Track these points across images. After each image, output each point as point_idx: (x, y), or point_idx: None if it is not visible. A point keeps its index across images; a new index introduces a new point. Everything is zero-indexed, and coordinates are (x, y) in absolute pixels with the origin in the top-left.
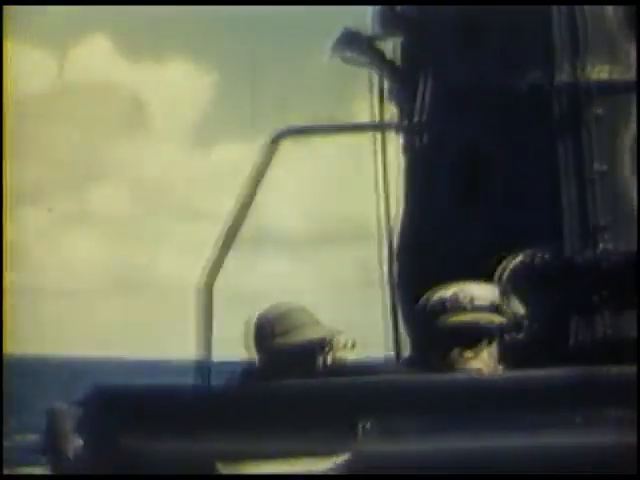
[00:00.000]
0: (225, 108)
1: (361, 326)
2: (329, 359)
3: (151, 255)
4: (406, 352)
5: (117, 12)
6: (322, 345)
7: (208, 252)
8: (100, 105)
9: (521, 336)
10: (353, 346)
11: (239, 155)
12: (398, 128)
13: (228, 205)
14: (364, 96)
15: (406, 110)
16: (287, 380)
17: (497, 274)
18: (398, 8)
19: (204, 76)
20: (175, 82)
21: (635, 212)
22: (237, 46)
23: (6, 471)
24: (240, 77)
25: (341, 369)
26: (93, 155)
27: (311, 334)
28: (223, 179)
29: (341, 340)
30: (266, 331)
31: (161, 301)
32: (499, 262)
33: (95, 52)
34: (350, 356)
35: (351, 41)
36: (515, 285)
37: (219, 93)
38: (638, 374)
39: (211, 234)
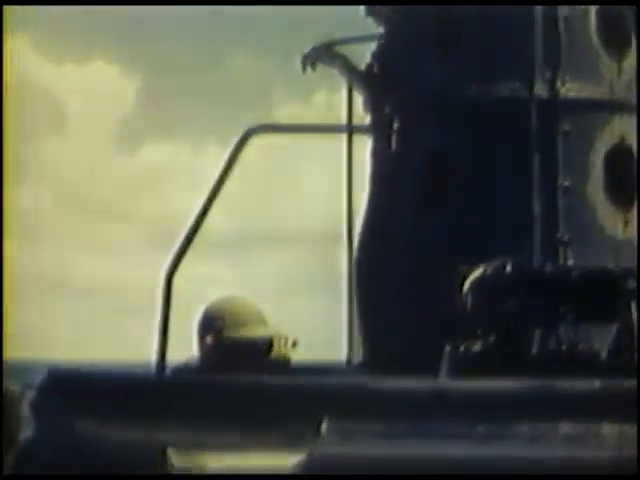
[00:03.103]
0: (147, 112)
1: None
2: (271, 357)
3: (71, 255)
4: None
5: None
6: (268, 345)
7: (127, 253)
8: (21, 105)
9: (481, 347)
10: (294, 345)
11: (160, 158)
12: (369, 131)
13: (149, 207)
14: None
15: (378, 115)
16: (249, 374)
17: (461, 283)
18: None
19: (128, 79)
20: (98, 85)
21: (602, 228)
22: (162, 50)
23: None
24: (164, 81)
25: (295, 369)
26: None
27: (259, 332)
28: (145, 182)
29: (282, 338)
30: (214, 323)
31: (85, 300)
32: (464, 271)
33: (16, 52)
34: (291, 355)
35: (321, 54)
36: (477, 294)
37: (142, 96)
38: (638, 384)
39: (131, 235)
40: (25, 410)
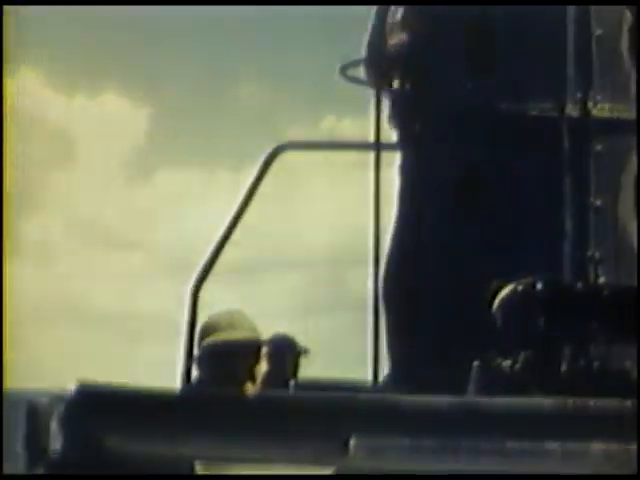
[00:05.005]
0: (159, 140)
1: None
2: (269, 365)
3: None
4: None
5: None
6: (246, 348)
7: (141, 281)
8: (31, 139)
9: (511, 365)
10: (305, 352)
11: (174, 186)
12: (397, 148)
13: (162, 235)
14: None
15: (407, 131)
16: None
17: (492, 299)
18: (391, 52)
19: (138, 109)
20: (108, 116)
21: (632, 247)
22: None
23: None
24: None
25: (321, 385)
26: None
27: (234, 336)
28: (158, 210)
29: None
30: (200, 335)
31: (99, 330)
32: (494, 287)
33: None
34: (303, 363)
35: (356, 67)
36: (508, 311)
37: (153, 125)
38: (638, 384)
39: (146, 264)
40: (53, 423)
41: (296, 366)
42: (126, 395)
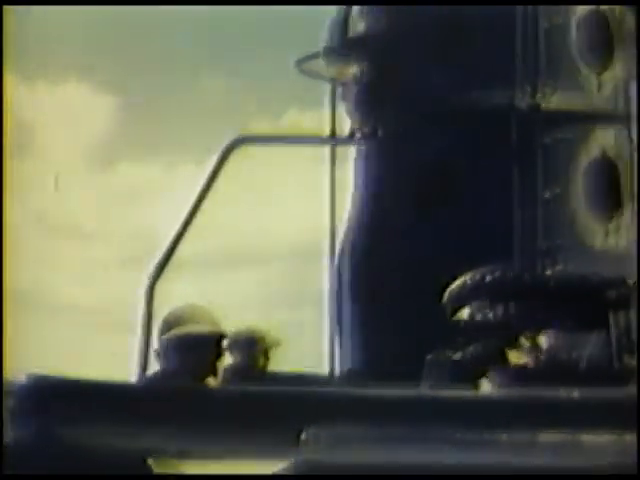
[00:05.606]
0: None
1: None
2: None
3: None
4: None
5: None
6: (208, 341)
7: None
8: None
9: (467, 354)
10: (276, 345)
11: (135, 177)
12: (357, 141)
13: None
14: None
15: (365, 123)
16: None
17: (446, 290)
18: (356, 32)
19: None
20: (70, 104)
21: (581, 238)
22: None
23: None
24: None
25: (280, 378)
26: None
27: (196, 329)
28: (118, 200)
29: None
30: (161, 328)
31: (55, 320)
32: (450, 278)
33: None
34: (275, 354)
35: (313, 61)
36: (461, 301)
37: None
38: (638, 389)
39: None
40: (4, 415)
41: (267, 359)
42: (77, 387)
